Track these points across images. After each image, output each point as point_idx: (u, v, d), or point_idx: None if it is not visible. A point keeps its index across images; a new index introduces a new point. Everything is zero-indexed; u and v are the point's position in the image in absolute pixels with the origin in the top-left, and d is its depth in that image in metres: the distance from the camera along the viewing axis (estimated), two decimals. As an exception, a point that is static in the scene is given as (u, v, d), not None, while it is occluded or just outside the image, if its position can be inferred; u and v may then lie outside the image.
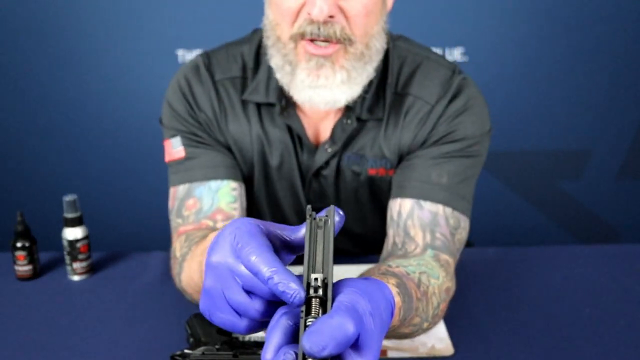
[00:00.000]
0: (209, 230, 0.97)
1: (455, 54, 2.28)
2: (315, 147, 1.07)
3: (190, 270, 0.87)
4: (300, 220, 1.14)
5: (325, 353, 0.46)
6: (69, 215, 1.14)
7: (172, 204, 1.05)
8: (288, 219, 1.14)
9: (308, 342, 0.46)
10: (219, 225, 0.99)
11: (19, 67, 2.27)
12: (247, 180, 1.10)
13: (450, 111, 1.01)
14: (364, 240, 1.20)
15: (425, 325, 0.83)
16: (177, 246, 0.96)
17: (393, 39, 1.07)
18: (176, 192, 1.04)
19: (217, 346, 0.85)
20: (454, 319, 0.97)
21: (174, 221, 1.03)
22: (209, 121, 1.05)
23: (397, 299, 0.68)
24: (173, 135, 1.05)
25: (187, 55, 2.25)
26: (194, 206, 1.01)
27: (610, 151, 2.44)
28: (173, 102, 1.06)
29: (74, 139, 2.36)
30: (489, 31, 2.28)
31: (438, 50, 2.23)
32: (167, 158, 1.06)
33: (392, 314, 0.59)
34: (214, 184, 1.02)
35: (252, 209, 1.13)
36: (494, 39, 2.29)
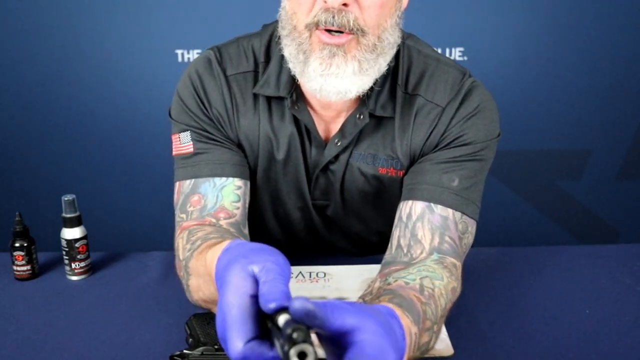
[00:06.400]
0: (212, 226, 0.97)
1: (455, 54, 2.27)
2: (325, 142, 1.07)
3: (199, 281, 0.86)
4: (303, 215, 1.14)
5: None
6: (68, 215, 1.14)
7: (177, 198, 1.05)
8: (290, 215, 1.14)
9: None
10: (222, 222, 0.99)
11: (18, 67, 2.27)
12: (253, 174, 1.10)
13: (461, 114, 1.01)
14: (363, 239, 1.20)
15: (436, 328, 0.82)
16: (180, 245, 0.96)
17: (403, 38, 1.07)
18: (181, 187, 1.05)
19: (216, 346, 0.85)
20: (453, 319, 0.97)
21: (178, 216, 1.03)
22: (220, 117, 1.06)
23: (399, 312, 0.69)
24: (182, 130, 1.06)
25: (187, 56, 2.25)
26: (198, 203, 1.01)
27: (610, 151, 2.44)
28: (184, 97, 1.06)
29: (72, 139, 2.35)
30: (488, 31, 2.28)
31: (438, 51, 2.23)
32: (175, 152, 1.06)
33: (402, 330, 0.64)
34: (218, 180, 1.02)
35: (254, 204, 1.13)
36: (494, 39, 2.29)
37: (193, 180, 1.03)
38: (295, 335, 0.49)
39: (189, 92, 1.06)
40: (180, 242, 0.96)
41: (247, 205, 1.05)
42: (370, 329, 0.56)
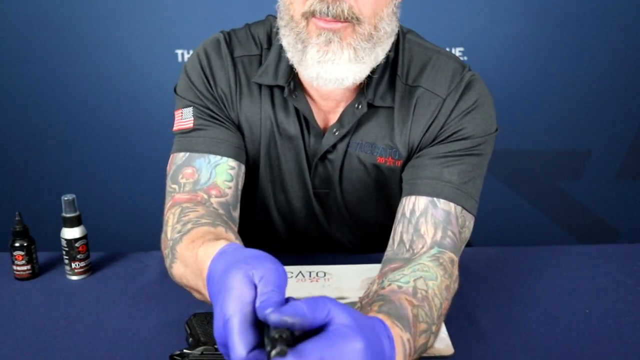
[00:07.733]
0: (203, 205, 0.97)
1: (455, 54, 2.27)
2: (323, 131, 1.08)
3: (185, 270, 0.86)
4: (305, 204, 1.14)
5: None
6: (68, 214, 1.14)
7: (169, 168, 1.06)
8: (292, 204, 1.15)
9: None
10: (213, 200, 1.00)
11: (18, 66, 2.27)
12: (254, 161, 1.11)
13: (460, 108, 1.02)
14: (363, 230, 1.20)
15: (434, 328, 0.82)
16: (170, 221, 0.95)
17: (404, 32, 1.09)
18: (175, 158, 1.06)
19: (216, 346, 0.85)
20: (453, 319, 0.97)
21: (170, 186, 1.04)
22: (224, 96, 1.07)
23: (388, 322, 0.70)
24: (186, 106, 1.07)
25: (187, 56, 2.25)
26: (191, 176, 1.02)
27: (610, 151, 2.44)
28: (191, 74, 1.08)
29: (72, 139, 2.35)
30: (488, 31, 2.28)
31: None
32: (175, 127, 1.08)
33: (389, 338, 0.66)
34: (213, 158, 1.03)
35: (257, 192, 1.14)
36: (494, 39, 2.29)
37: (188, 153, 1.04)
38: (277, 338, 0.53)
39: (195, 69, 1.08)
40: (171, 218, 0.96)
41: (239, 188, 1.05)
42: (339, 320, 0.58)
